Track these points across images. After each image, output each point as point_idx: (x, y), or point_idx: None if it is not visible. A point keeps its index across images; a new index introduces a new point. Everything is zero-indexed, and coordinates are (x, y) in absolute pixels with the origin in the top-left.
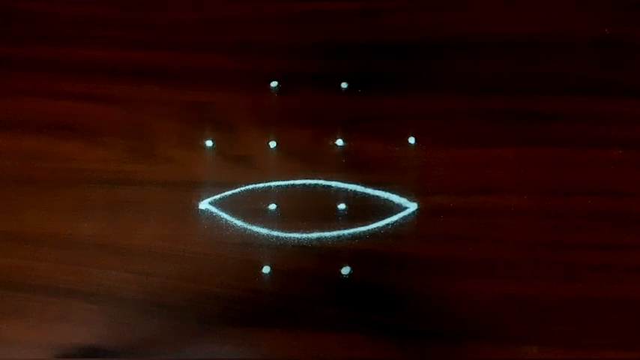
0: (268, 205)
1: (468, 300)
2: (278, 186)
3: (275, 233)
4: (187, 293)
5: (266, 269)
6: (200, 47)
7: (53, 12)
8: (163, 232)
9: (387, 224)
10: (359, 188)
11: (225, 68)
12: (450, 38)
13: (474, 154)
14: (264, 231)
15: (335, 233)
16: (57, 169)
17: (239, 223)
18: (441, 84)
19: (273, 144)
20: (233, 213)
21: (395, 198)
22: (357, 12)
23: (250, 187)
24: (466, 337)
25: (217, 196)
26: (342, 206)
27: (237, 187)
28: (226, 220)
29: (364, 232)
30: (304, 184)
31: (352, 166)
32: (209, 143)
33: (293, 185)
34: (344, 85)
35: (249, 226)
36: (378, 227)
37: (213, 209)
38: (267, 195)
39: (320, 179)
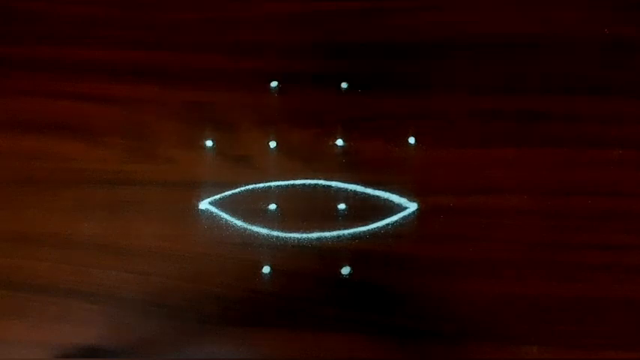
0: (268, 205)
1: (468, 300)
2: (278, 186)
3: (275, 233)
4: (187, 293)
5: (266, 269)
6: (200, 47)
7: (53, 12)
8: (163, 232)
9: (387, 224)
10: (359, 188)
11: (225, 68)
12: (450, 38)
13: (474, 154)
14: (264, 231)
15: (335, 233)
16: (57, 169)
17: (239, 223)
18: (441, 84)
19: (273, 144)
20: (233, 213)
21: (395, 198)
22: (357, 12)
23: (250, 187)
24: (466, 337)
25: (217, 196)
26: (342, 206)
27: (237, 187)
28: (226, 220)
29: (364, 232)
30: (304, 184)
31: (352, 166)
32: (209, 143)
33: (293, 185)
34: (344, 85)
35: (249, 226)
36: (378, 227)
37: (213, 209)
38: (267, 195)
39: (320, 179)
